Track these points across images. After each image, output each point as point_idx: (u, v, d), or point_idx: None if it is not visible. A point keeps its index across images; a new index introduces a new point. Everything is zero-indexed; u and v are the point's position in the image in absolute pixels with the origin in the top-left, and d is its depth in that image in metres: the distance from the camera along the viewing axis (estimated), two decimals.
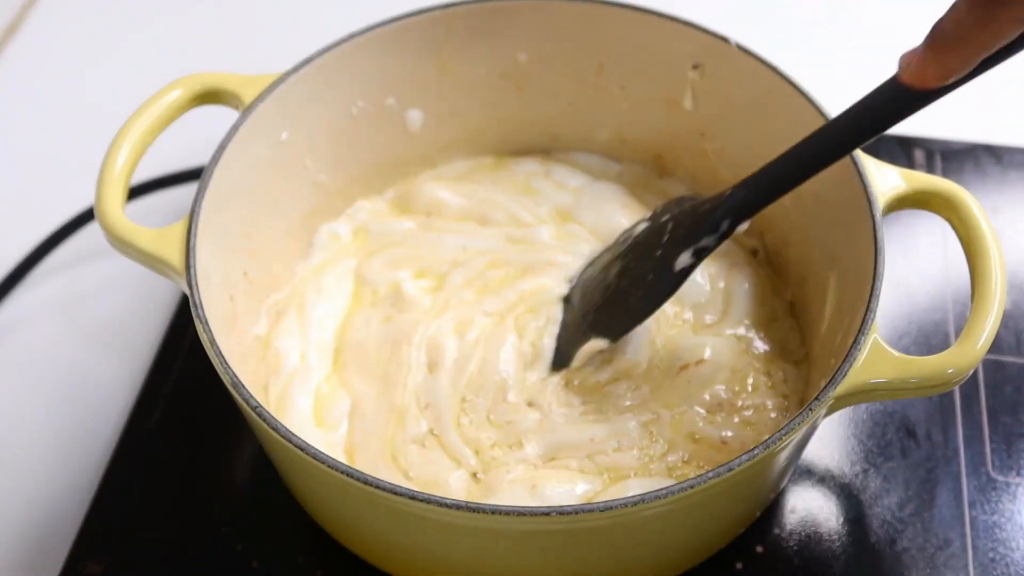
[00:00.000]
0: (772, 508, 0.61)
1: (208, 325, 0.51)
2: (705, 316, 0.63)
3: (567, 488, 0.55)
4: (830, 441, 0.64)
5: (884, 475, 0.62)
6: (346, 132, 0.66)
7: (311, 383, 0.61)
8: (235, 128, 0.58)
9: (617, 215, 0.68)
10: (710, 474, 0.45)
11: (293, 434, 0.47)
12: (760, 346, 0.62)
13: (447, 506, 0.45)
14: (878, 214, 0.53)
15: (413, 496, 0.45)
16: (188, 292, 0.52)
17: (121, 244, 0.53)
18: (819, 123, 0.57)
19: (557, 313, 0.63)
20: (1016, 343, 0.68)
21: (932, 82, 0.46)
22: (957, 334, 0.65)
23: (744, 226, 0.56)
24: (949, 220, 0.53)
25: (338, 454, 0.59)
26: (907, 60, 0.46)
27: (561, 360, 0.61)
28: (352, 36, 0.62)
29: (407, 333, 0.62)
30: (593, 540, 0.49)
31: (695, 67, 0.65)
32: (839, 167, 0.56)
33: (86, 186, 0.57)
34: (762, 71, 0.61)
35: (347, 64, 0.63)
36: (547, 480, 0.56)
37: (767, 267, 0.66)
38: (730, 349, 0.61)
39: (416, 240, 0.68)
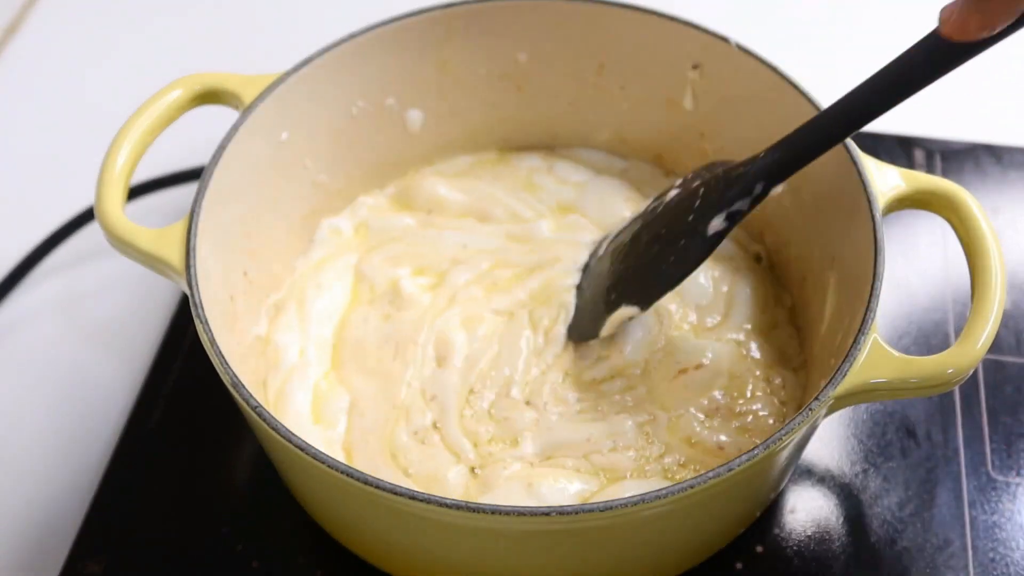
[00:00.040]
0: (772, 508, 0.61)
1: (208, 325, 0.51)
2: (707, 319, 0.63)
3: (563, 487, 0.55)
4: (830, 441, 0.64)
5: (884, 475, 0.62)
6: (346, 132, 0.66)
7: (309, 379, 0.62)
8: (235, 128, 0.58)
9: (620, 207, 0.68)
10: (710, 474, 0.45)
11: (293, 434, 0.47)
12: (760, 352, 0.62)
13: (447, 506, 0.45)
14: (878, 214, 0.53)
15: (413, 496, 0.45)
16: (188, 292, 0.52)
17: (121, 244, 0.53)
18: None
19: (570, 299, 0.64)
20: (1016, 343, 0.68)
21: (974, 34, 0.45)
22: (957, 334, 0.65)
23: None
24: (949, 220, 0.53)
25: (336, 452, 0.59)
26: (947, 12, 0.45)
27: (587, 331, 0.61)
28: (352, 36, 0.62)
29: (410, 333, 0.62)
30: (593, 540, 0.49)
31: (695, 67, 0.65)
32: (839, 167, 0.56)
33: (86, 186, 0.57)
34: (762, 71, 0.61)
35: (347, 64, 0.63)
36: (543, 479, 0.56)
37: (770, 274, 0.66)
38: (730, 354, 0.61)
39: (416, 237, 0.68)
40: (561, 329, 0.63)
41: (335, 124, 0.65)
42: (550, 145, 0.73)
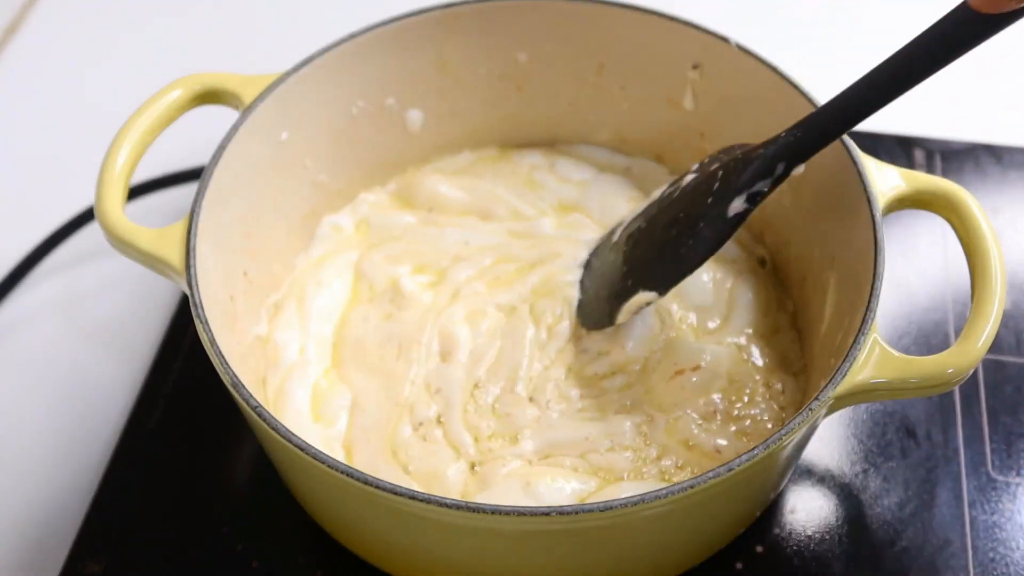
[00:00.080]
0: (772, 508, 0.61)
1: (208, 325, 0.51)
2: (707, 322, 0.63)
3: (560, 487, 0.55)
4: (830, 441, 0.64)
5: (884, 475, 0.62)
6: (346, 132, 0.66)
7: (309, 377, 0.62)
8: (235, 128, 0.58)
9: (623, 207, 0.68)
10: (710, 474, 0.45)
11: (293, 434, 0.47)
12: (760, 357, 0.61)
13: (447, 506, 0.45)
14: (878, 214, 0.53)
15: (413, 496, 0.45)
16: (188, 292, 0.52)
17: (121, 244, 0.53)
18: None
19: (572, 294, 0.64)
20: (1016, 343, 0.68)
21: (1006, 4, 0.44)
22: (957, 334, 0.65)
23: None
24: (949, 220, 0.53)
25: (336, 450, 0.59)
26: None
27: (602, 319, 0.61)
28: (352, 36, 0.62)
29: (413, 333, 0.62)
30: (593, 540, 0.49)
31: (695, 67, 0.65)
32: (839, 166, 0.56)
33: (86, 186, 0.57)
34: (762, 71, 0.61)
35: (347, 64, 0.63)
36: (541, 478, 0.56)
37: (773, 278, 0.66)
38: (729, 358, 0.61)
39: (417, 235, 0.68)
40: (564, 325, 0.63)
41: (335, 124, 0.65)
42: (553, 143, 0.73)
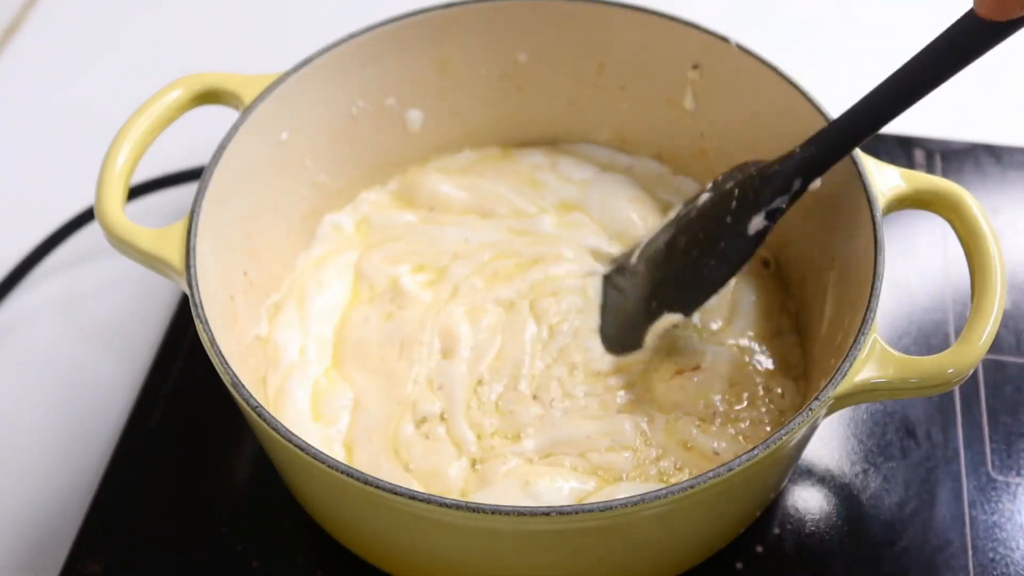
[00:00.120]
0: (772, 508, 0.61)
1: (208, 325, 0.51)
2: (710, 323, 0.63)
3: (559, 486, 0.55)
4: (830, 441, 0.64)
5: (884, 475, 0.62)
6: (346, 132, 0.66)
7: (309, 377, 0.62)
8: (235, 128, 0.58)
9: (624, 207, 0.68)
10: (710, 474, 0.45)
11: (293, 434, 0.47)
12: (762, 360, 0.61)
13: (446, 506, 0.45)
14: (878, 214, 0.53)
15: (413, 496, 0.45)
16: (188, 292, 0.52)
17: (121, 244, 0.53)
18: (819, 123, 0.57)
19: (578, 302, 0.64)
20: (1016, 343, 0.68)
21: (1013, 11, 0.45)
22: (957, 334, 0.66)
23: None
24: (949, 220, 0.53)
25: (336, 449, 0.59)
26: None
27: (629, 342, 0.61)
28: (352, 36, 0.62)
29: (415, 332, 0.62)
30: (593, 540, 0.49)
31: (695, 67, 0.65)
32: (840, 167, 0.56)
33: (86, 186, 0.57)
34: (762, 71, 0.61)
35: (347, 64, 0.63)
36: (540, 477, 0.56)
37: (777, 280, 0.66)
38: (730, 360, 0.61)
39: (417, 234, 0.68)
40: (567, 325, 0.62)
41: (335, 124, 0.65)
42: (553, 142, 0.73)
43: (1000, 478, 0.62)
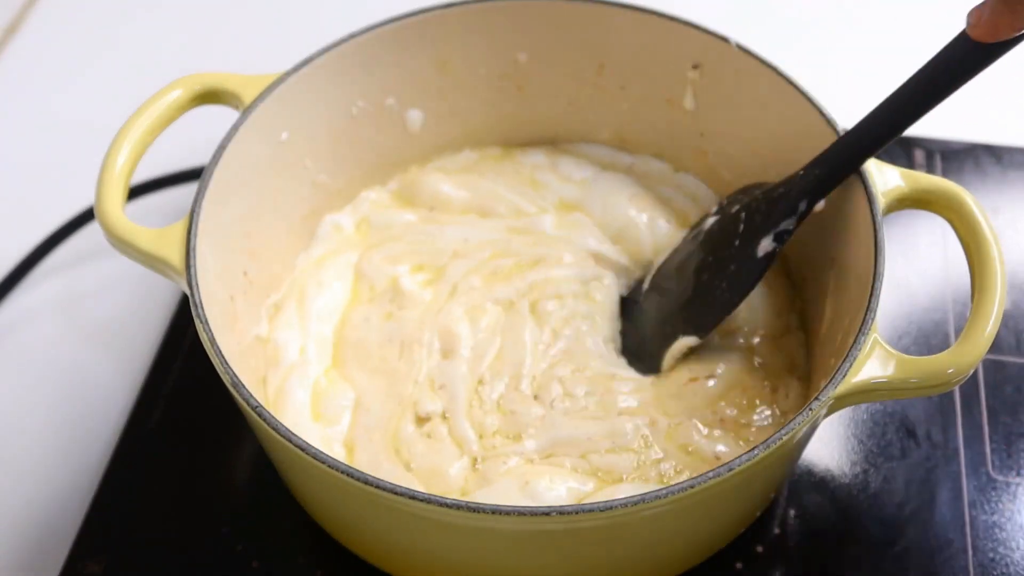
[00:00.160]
0: (772, 508, 0.61)
1: (208, 325, 0.51)
2: (722, 326, 0.63)
3: (558, 487, 0.55)
4: (830, 441, 0.64)
5: (884, 475, 0.62)
6: (346, 132, 0.66)
7: (309, 377, 0.62)
8: (235, 128, 0.58)
9: (625, 206, 0.68)
10: (710, 474, 0.45)
11: (293, 434, 0.47)
12: (769, 360, 0.61)
13: (446, 505, 0.45)
14: (878, 214, 0.53)
15: (413, 496, 0.45)
16: (188, 292, 0.52)
17: (121, 244, 0.53)
18: (819, 123, 0.57)
19: (583, 306, 0.64)
20: (1016, 343, 0.68)
21: (1006, 33, 0.46)
22: (957, 334, 0.65)
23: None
24: (949, 220, 0.53)
25: (336, 449, 0.59)
26: (976, 16, 0.46)
27: (648, 366, 0.62)
28: (352, 36, 0.62)
29: (415, 333, 0.62)
30: (593, 540, 0.49)
31: (695, 67, 0.65)
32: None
33: (86, 186, 0.57)
34: (762, 71, 0.61)
35: (347, 64, 0.63)
36: (539, 477, 0.56)
37: (783, 276, 0.66)
38: (741, 365, 0.60)
39: (417, 233, 0.68)
40: (570, 330, 0.62)
41: (335, 124, 0.65)
42: (553, 142, 0.73)
43: (1000, 478, 0.62)
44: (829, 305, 0.59)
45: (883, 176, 0.55)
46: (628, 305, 0.65)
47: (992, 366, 0.67)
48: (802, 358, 0.62)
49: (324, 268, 0.66)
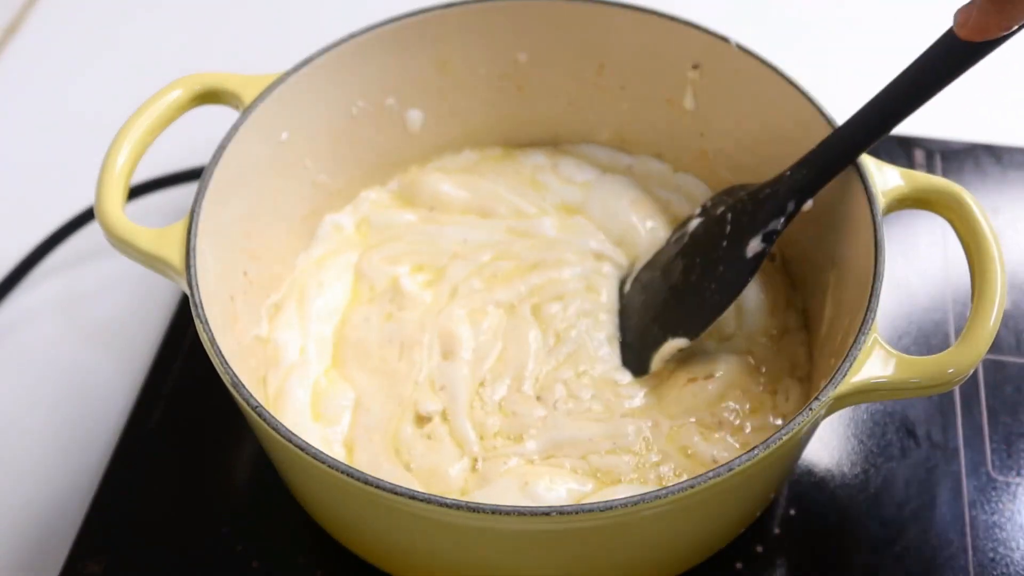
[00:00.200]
0: (772, 508, 0.61)
1: (208, 325, 0.51)
2: (723, 327, 0.63)
3: (557, 487, 0.55)
4: (830, 441, 0.64)
5: (884, 475, 0.62)
6: (346, 132, 0.66)
7: (309, 377, 0.62)
8: (235, 128, 0.58)
9: (626, 211, 0.68)
10: (710, 474, 0.45)
11: (293, 434, 0.47)
12: (769, 362, 0.61)
13: (446, 505, 0.45)
14: (878, 214, 0.53)
15: (413, 496, 0.45)
16: (188, 292, 0.52)
17: (121, 244, 0.53)
18: (819, 123, 0.57)
19: (586, 306, 0.64)
20: (1016, 343, 0.68)
21: (994, 33, 0.46)
22: (957, 334, 0.66)
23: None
24: (949, 220, 0.53)
25: (336, 449, 0.59)
26: (964, 15, 0.46)
27: (636, 367, 0.62)
28: (352, 36, 0.62)
29: (415, 334, 0.62)
30: (593, 540, 0.49)
31: (695, 67, 0.65)
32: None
33: (86, 186, 0.57)
34: (762, 71, 0.61)
35: (347, 64, 0.63)
36: (539, 478, 0.56)
37: (783, 275, 0.66)
38: (740, 366, 0.60)
39: (417, 233, 0.68)
40: (574, 333, 0.62)
41: (335, 124, 0.65)
42: (554, 142, 0.73)
43: (1000, 478, 0.62)
44: (829, 305, 0.59)
45: (883, 176, 0.55)
46: (620, 298, 0.65)
47: (992, 366, 0.67)
48: (803, 359, 0.62)
49: (324, 268, 0.66)
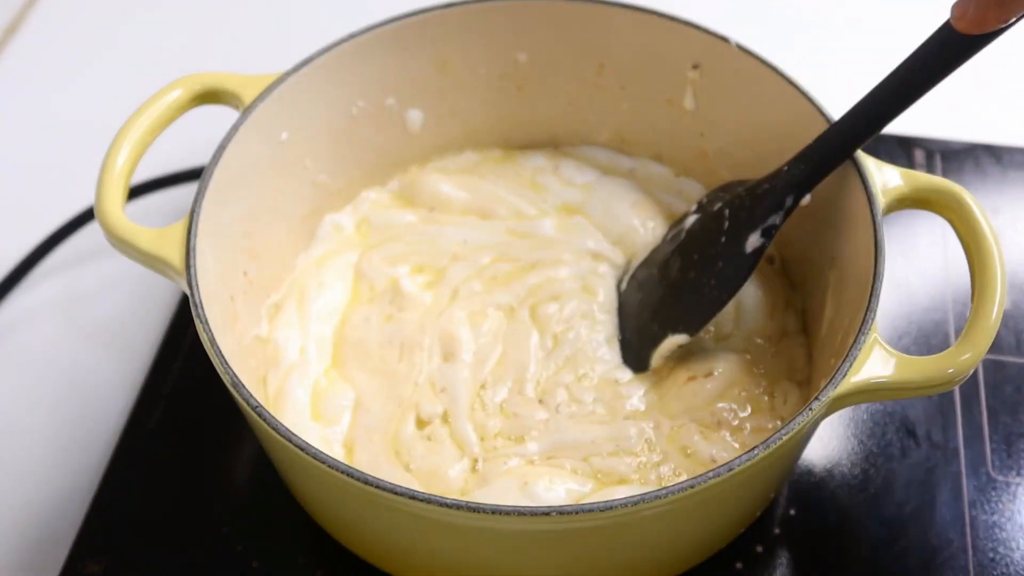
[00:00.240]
0: (772, 508, 0.61)
1: (208, 325, 0.51)
2: (722, 326, 0.63)
3: (557, 488, 0.55)
4: (830, 441, 0.64)
5: (884, 475, 0.62)
6: (346, 132, 0.66)
7: (309, 377, 0.62)
8: (235, 128, 0.58)
9: (626, 212, 0.68)
10: (710, 474, 0.45)
11: (293, 434, 0.47)
12: (768, 363, 0.61)
13: (446, 505, 0.45)
14: (878, 214, 0.53)
15: (413, 496, 0.45)
16: (188, 292, 0.52)
17: (121, 244, 0.53)
18: (819, 122, 0.57)
19: (583, 306, 0.64)
20: (1016, 343, 0.68)
21: (992, 26, 0.46)
22: (957, 334, 0.65)
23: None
24: (949, 220, 0.53)
25: (336, 449, 0.59)
26: (962, 8, 0.46)
27: (636, 364, 0.62)
28: (352, 36, 0.62)
29: (415, 335, 0.62)
30: (593, 540, 0.49)
31: (695, 67, 0.65)
32: (840, 167, 0.56)
33: (86, 186, 0.57)
34: (762, 71, 0.61)
35: (347, 64, 0.63)
36: (539, 478, 0.56)
37: (782, 277, 0.66)
38: (739, 366, 0.60)
39: (417, 234, 0.68)
40: (573, 334, 0.62)
41: (335, 124, 0.65)
42: (554, 143, 0.73)
43: (1000, 478, 0.62)
44: (829, 305, 0.59)
45: (883, 176, 0.55)
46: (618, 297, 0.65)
47: (992, 366, 0.67)
48: (802, 362, 0.62)
49: (324, 268, 0.66)
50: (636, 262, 0.65)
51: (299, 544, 0.61)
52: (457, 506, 0.45)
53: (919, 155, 0.77)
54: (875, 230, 0.53)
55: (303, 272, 0.66)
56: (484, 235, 0.67)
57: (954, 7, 0.47)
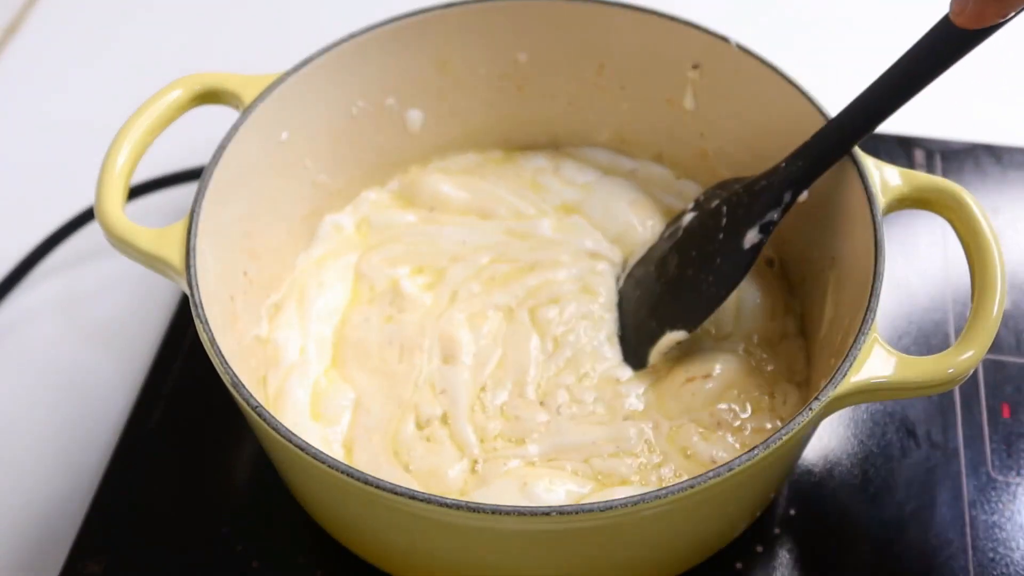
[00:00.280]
0: (772, 508, 0.61)
1: (208, 325, 0.51)
2: (721, 327, 0.63)
3: (557, 488, 0.55)
4: (830, 441, 0.64)
5: (884, 475, 0.62)
6: (346, 132, 0.66)
7: (309, 377, 0.62)
8: (235, 128, 0.58)
9: (625, 212, 0.68)
10: (710, 474, 0.45)
11: (293, 434, 0.47)
12: (767, 365, 0.61)
13: (446, 505, 0.45)
14: (878, 214, 0.53)
15: (413, 496, 0.45)
16: (188, 292, 0.52)
17: (121, 244, 0.53)
18: (819, 122, 0.57)
19: (583, 307, 0.64)
20: (1016, 343, 0.68)
21: (990, 20, 0.46)
22: (957, 334, 0.66)
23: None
24: (949, 220, 0.53)
25: (336, 449, 0.59)
26: (961, 3, 0.46)
27: (634, 361, 0.62)
28: (352, 36, 0.62)
29: (414, 337, 0.62)
30: (593, 540, 0.49)
31: (695, 67, 0.65)
32: (839, 167, 0.56)
33: (86, 186, 0.57)
34: (762, 71, 0.61)
35: (347, 64, 0.63)
36: (538, 479, 0.56)
37: (781, 280, 0.66)
38: (738, 367, 0.60)
39: (416, 235, 0.68)
40: (573, 337, 0.62)
41: (335, 124, 0.65)
42: (554, 144, 0.73)
43: (1000, 478, 0.62)
44: (829, 306, 0.59)
45: (883, 176, 0.55)
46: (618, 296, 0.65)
47: (992, 366, 0.67)
48: (801, 364, 0.62)
49: (324, 268, 0.66)
50: (633, 260, 0.65)
51: (299, 544, 0.61)
52: (457, 506, 0.45)
53: (919, 155, 0.77)
54: (875, 230, 0.53)
55: (303, 272, 0.66)
56: (482, 235, 0.67)
57: (953, 2, 0.47)
